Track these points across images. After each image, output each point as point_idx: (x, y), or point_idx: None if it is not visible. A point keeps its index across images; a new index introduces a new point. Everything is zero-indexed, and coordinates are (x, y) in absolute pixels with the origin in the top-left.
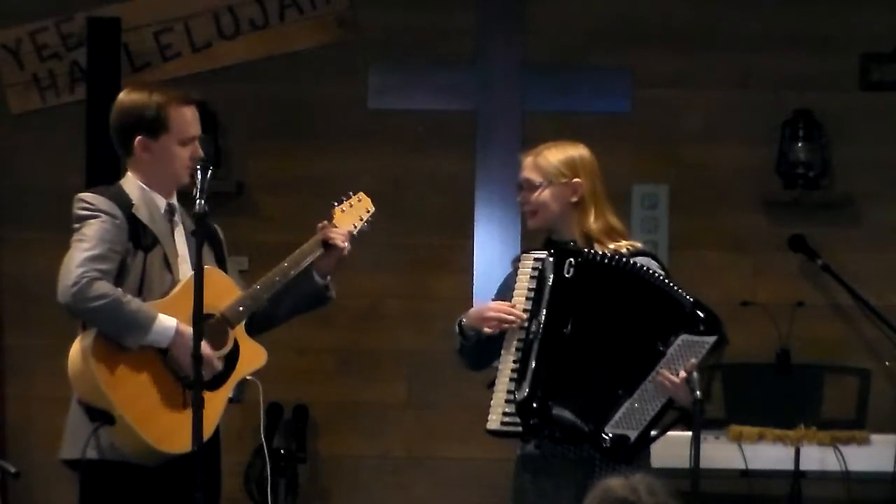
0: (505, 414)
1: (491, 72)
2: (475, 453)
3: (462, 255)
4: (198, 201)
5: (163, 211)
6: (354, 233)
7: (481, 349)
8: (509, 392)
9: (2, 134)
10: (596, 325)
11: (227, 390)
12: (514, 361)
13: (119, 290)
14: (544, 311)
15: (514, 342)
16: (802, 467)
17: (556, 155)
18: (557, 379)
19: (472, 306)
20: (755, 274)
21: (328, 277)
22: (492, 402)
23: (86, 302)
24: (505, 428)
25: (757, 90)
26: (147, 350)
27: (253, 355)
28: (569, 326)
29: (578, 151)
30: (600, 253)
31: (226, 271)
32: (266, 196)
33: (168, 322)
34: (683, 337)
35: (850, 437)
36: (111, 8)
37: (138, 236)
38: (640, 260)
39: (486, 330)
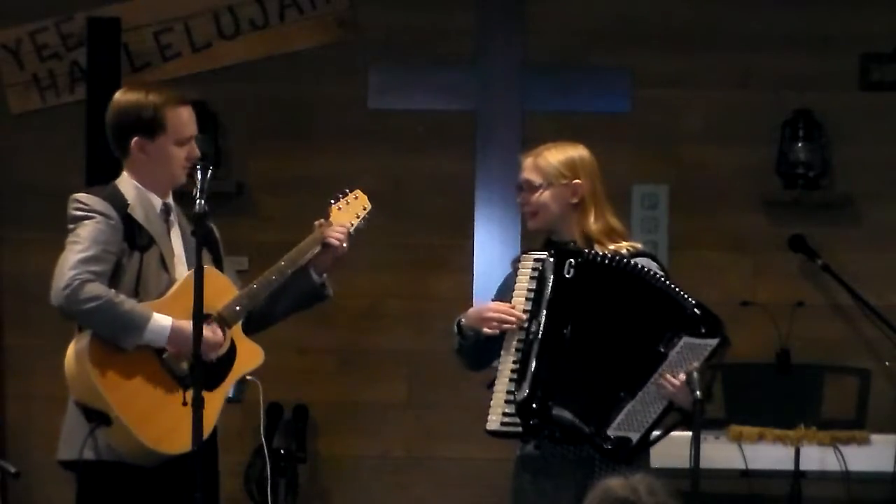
0: (505, 414)
1: (491, 72)
2: (475, 453)
3: (462, 255)
4: (198, 201)
5: (159, 211)
6: (351, 230)
7: (480, 349)
8: (509, 392)
9: (2, 134)
10: (596, 325)
11: (224, 390)
12: (514, 362)
13: (112, 291)
14: (544, 312)
15: (514, 343)
16: (802, 467)
17: (556, 156)
18: (557, 379)
19: (472, 306)
20: (755, 274)
21: (325, 275)
22: (491, 402)
23: (78, 304)
24: (505, 428)
25: (757, 90)
26: (143, 351)
27: (250, 355)
28: (569, 327)
29: (578, 152)
30: (600, 253)
31: (222, 271)
32: (266, 196)
33: (163, 321)
34: (685, 339)
35: (850, 437)
36: (111, 8)
37: (134, 236)
38: (640, 261)
39: (486, 330)
